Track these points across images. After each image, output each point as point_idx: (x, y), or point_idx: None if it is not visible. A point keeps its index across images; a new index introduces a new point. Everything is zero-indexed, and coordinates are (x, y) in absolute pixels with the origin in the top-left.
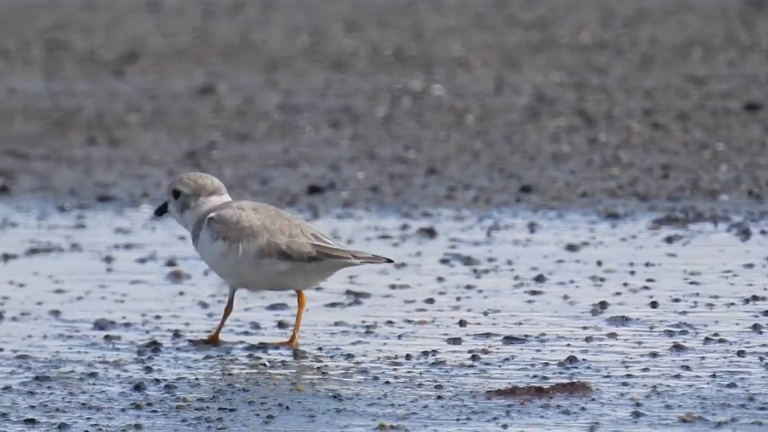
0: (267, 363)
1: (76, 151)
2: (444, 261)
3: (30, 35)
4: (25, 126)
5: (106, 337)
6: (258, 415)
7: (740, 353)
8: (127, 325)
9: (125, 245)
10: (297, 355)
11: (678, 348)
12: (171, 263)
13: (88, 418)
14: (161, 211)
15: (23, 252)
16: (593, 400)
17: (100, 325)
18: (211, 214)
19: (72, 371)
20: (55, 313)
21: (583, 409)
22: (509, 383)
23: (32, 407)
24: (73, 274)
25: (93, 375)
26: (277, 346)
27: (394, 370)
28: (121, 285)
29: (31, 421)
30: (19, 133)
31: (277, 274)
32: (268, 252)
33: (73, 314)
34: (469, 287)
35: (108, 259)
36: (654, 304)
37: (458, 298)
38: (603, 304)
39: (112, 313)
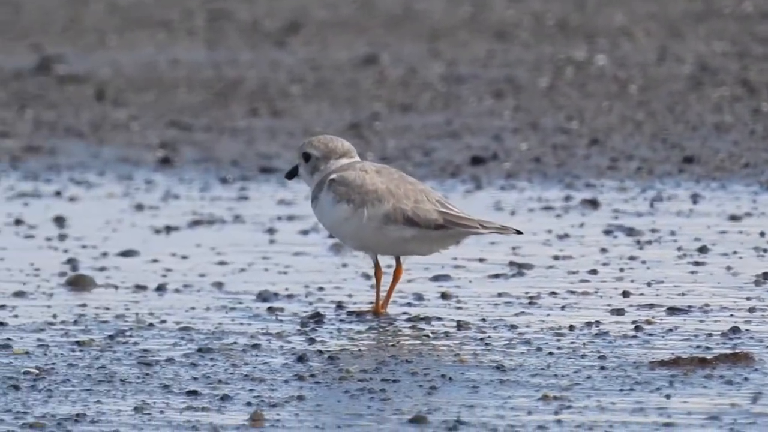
0: (430, 334)
1: (238, 122)
2: (607, 232)
3: (193, 5)
4: (187, 97)
5: (269, 308)
6: (421, 386)
7: None
8: (290, 296)
9: (288, 217)
10: (460, 325)
11: None
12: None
13: (250, 390)
14: (292, 175)
15: (186, 224)
16: (756, 370)
17: (263, 296)
18: (333, 176)
19: (235, 343)
20: (218, 285)
21: (746, 379)
22: (672, 354)
23: (195, 379)
24: (236, 245)
25: (256, 347)
26: (359, 314)
27: (558, 341)
28: (283, 257)
29: (193, 393)
30: (182, 104)
31: (401, 240)
32: (394, 218)
33: (236, 286)
34: (632, 258)
35: (271, 231)
36: None
37: (621, 269)
38: (766, 275)
39: (275, 284)
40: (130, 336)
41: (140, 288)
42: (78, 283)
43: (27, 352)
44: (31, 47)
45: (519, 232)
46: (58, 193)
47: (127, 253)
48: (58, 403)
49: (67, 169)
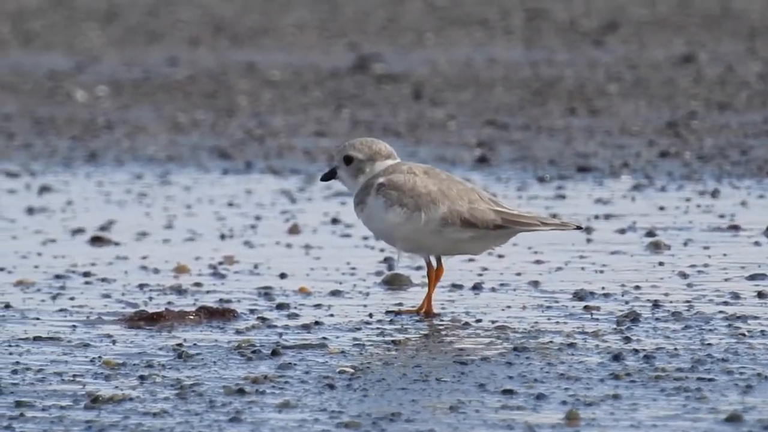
0: (746, 333)
1: (556, 120)
2: None
3: (510, 4)
4: (504, 96)
5: (585, 307)
6: (737, 385)
7: None
8: (606, 295)
9: (605, 215)
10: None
11: None
12: (651, 233)
13: (566, 389)
14: (328, 177)
15: None
16: None
17: (579, 295)
18: (380, 179)
19: (550, 342)
20: (534, 283)
21: None
22: None
23: (510, 378)
24: (553, 244)
25: (572, 345)
26: (398, 313)
27: None
28: (600, 255)
29: (509, 392)
30: (499, 103)
31: (457, 241)
32: (451, 220)
33: (553, 285)
34: None
35: (588, 230)
36: None
37: None
38: None
39: (591, 283)
40: (446, 335)
41: (456, 287)
42: (394, 282)
43: (342, 351)
44: (348, 46)
45: (579, 228)
46: None
47: None
48: (373, 402)
49: None
